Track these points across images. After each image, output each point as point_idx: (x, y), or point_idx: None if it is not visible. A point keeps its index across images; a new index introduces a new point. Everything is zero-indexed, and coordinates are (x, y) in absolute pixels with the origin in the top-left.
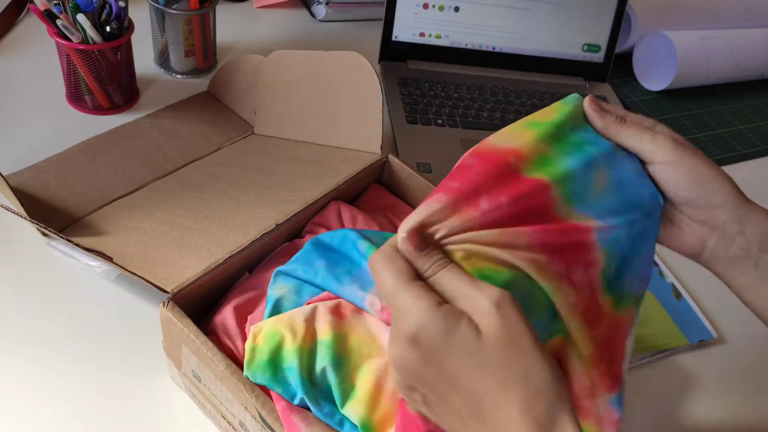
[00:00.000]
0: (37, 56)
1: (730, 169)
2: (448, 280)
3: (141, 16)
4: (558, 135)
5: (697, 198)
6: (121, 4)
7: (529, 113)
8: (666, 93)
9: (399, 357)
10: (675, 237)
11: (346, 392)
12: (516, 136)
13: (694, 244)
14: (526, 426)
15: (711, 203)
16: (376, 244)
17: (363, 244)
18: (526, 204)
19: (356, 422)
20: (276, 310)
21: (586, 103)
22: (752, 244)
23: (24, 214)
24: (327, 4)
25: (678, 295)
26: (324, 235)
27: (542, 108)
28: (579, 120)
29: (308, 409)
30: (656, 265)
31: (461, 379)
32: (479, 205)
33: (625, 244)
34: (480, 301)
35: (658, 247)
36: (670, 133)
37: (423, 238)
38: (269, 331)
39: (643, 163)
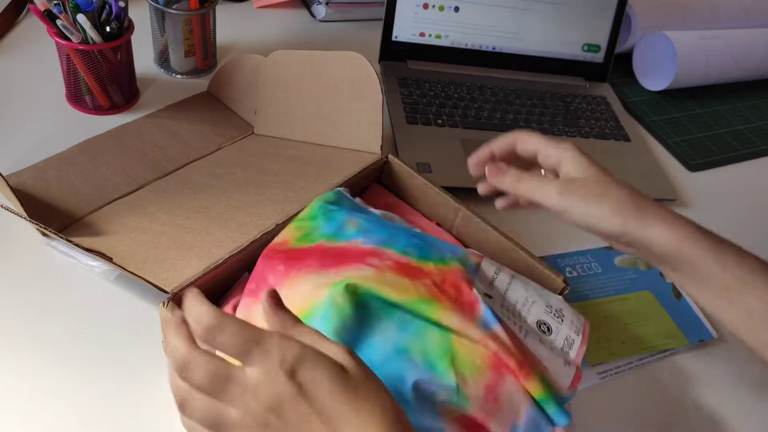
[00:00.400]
0: (36, 56)
1: (730, 169)
2: (301, 334)
3: (141, 16)
4: (314, 215)
5: (596, 234)
6: (121, 4)
7: (530, 113)
8: (666, 93)
9: (276, 392)
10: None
11: None
12: (284, 232)
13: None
14: None
15: (607, 238)
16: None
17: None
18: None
19: None
20: None
21: (471, 164)
22: (657, 262)
23: (24, 214)
24: (327, 4)
25: (678, 295)
26: None
27: (539, 108)
28: (336, 204)
29: None
30: None
31: (331, 408)
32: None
33: (385, 236)
34: (335, 348)
35: None
36: (558, 182)
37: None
38: None
39: None
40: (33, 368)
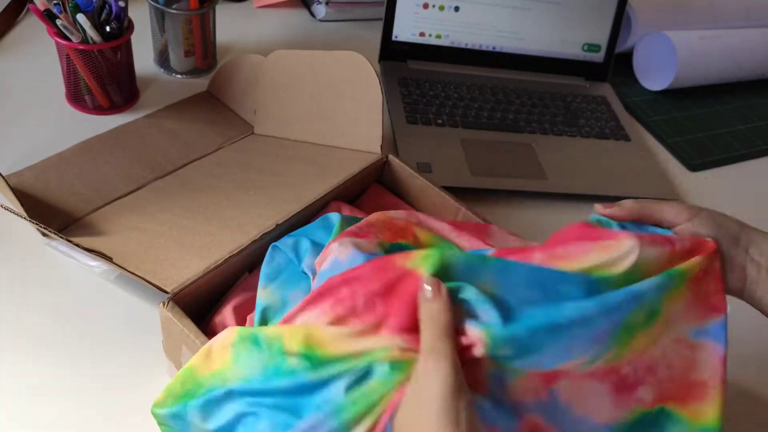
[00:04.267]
0: (36, 56)
1: (730, 169)
2: None
3: (141, 16)
4: None
5: (721, 238)
6: (121, 3)
7: (530, 113)
8: (666, 93)
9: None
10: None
11: None
12: None
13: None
14: None
15: (732, 238)
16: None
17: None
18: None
19: None
20: (263, 320)
21: (599, 208)
22: (762, 267)
23: (24, 214)
24: (327, 3)
25: None
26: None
27: (539, 108)
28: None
29: None
30: None
31: None
32: None
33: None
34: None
35: None
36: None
37: None
38: None
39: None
40: (33, 367)
